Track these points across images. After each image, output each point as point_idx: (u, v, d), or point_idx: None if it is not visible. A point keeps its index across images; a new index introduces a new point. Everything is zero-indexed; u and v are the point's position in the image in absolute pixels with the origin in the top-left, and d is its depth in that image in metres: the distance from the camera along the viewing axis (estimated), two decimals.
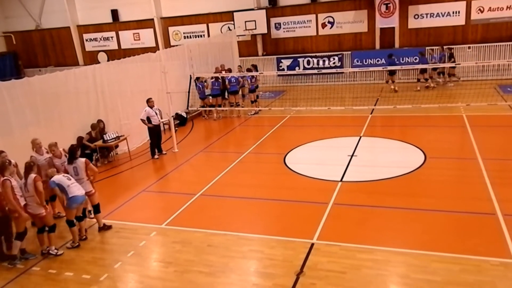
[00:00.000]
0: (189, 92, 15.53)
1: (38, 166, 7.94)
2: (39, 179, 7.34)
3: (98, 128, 12.09)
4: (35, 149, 8.51)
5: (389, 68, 16.69)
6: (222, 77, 16.42)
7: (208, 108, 16.53)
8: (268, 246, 7.27)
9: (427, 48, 19.31)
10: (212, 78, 16.24)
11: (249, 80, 16.65)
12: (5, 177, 7.10)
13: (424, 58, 18.14)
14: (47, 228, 7.54)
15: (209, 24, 23.39)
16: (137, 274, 6.89)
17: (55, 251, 7.59)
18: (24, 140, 9.95)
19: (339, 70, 20.03)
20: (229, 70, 18.16)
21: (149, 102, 12.25)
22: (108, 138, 11.97)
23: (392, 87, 18.04)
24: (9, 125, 9.84)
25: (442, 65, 17.51)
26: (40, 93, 10.58)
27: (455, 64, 17.13)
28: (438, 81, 18.32)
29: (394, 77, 18.38)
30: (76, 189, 7.66)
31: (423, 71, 17.98)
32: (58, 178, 7.66)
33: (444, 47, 18.26)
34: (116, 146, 12.63)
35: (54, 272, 7.10)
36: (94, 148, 11.98)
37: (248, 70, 17.89)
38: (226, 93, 16.94)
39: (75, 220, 7.81)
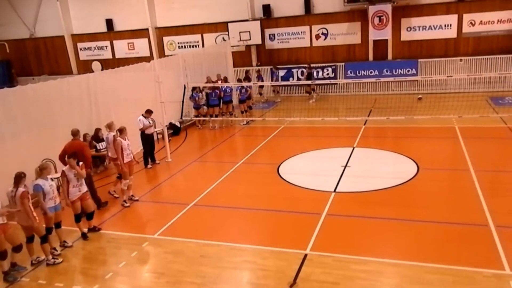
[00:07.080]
0: (183, 102, 15.52)
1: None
2: (26, 196, 7.08)
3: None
4: (108, 130, 10.25)
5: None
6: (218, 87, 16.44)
7: (202, 118, 16.55)
8: (261, 256, 7.22)
9: (419, 60, 19.61)
10: (210, 89, 16.29)
11: (238, 91, 16.69)
12: None
13: (275, 74, 20.34)
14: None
15: (204, 35, 23.51)
16: (128, 285, 6.81)
17: (52, 260, 7.50)
18: (15, 148, 9.91)
19: (332, 81, 20.21)
20: (225, 79, 18.19)
21: (146, 113, 12.25)
22: (101, 148, 11.88)
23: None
24: (1, 133, 9.76)
25: (276, 83, 20.20)
26: (33, 101, 10.50)
27: (311, 83, 18.38)
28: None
29: (262, 90, 20.61)
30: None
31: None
32: None
33: (310, 65, 20.30)
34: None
35: (44, 283, 7.00)
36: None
37: (246, 78, 18.03)
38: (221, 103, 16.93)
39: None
